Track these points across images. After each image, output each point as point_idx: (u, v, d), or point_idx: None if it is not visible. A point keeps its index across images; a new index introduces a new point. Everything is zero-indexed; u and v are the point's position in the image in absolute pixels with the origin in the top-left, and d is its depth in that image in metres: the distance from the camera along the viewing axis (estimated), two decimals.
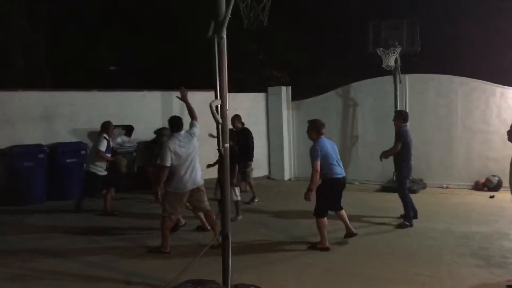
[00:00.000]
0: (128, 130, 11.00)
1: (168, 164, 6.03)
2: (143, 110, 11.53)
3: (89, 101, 10.92)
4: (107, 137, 8.70)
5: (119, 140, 10.70)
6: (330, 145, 6.57)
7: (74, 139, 10.41)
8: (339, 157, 6.63)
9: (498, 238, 6.71)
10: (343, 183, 6.62)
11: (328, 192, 6.45)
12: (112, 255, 6.33)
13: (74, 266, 5.88)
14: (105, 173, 8.72)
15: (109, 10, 16.70)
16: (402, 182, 7.83)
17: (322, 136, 6.53)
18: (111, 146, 9.00)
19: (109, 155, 8.75)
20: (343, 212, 6.74)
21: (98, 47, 17.28)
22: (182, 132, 6.28)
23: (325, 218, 6.43)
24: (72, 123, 10.60)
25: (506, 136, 5.18)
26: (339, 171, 6.49)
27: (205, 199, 6.49)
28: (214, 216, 6.57)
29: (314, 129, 6.56)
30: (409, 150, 7.88)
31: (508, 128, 5.15)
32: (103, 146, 8.54)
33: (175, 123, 6.31)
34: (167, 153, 6.03)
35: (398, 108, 10.95)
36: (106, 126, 8.83)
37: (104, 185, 8.81)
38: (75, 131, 10.57)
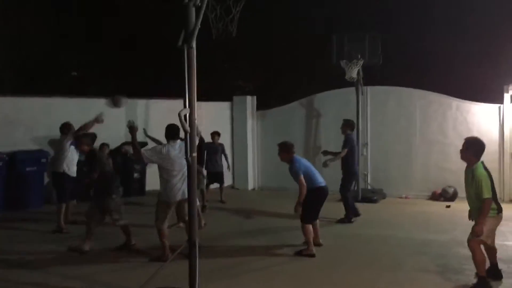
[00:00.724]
0: (91, 138, 10.80)
1: (147, 160, 6.22)
2: (107, 118, 11.33)
3: (51, 107, 10.70)
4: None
5: None
6: (304, 160, 6.94)
7: (34, 147, 10.17)
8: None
9: (454, 245, 6.98)
10: (327, 191, 6.86)
11: (313, 201, 6.68)
12: (75, 264, 6.22)
13: (39, 276, 5.77)
14: (74, 175, 8.35)
15: (75, 14, 16.43)
16: (348, 188, 8.82)
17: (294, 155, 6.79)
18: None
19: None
20: (317, 221, 7.03)
21: (62, 52, 16.92)
22: (178, 141, 6.24)
23: (311, 225, 6.68)
24: (33, 131, 10.36)
25: (461, 148, 5.43)
26: (321, 179, 6.81)
27: None
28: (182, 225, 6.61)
29: (285, 150, 6.79)
30: (354, 157, 8.92)
31: (463, 141, 5.42)
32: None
33: (171, 131, 6.24)
34: (154, 155, 6.10)
35: (360, 119, 11.31)
36: (67, 127, 8.38)
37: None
38: (35, 139, 10.32)
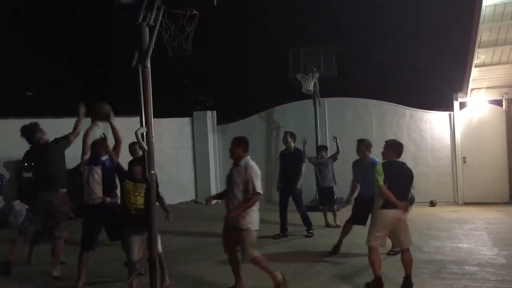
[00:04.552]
0: None
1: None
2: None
3: (6, 129, 10.42)
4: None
5: None
6: None
7: None
8: None
9: (411, 250, 7.18)
10: None
11: None
12: None
13: None
14: None
15: (27, 32, 16.12)
16: (301, 200, 8.62)
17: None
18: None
19: None
20: None
21: (15, 71, 16.54)
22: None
23: None
24: None
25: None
26: None
27: None
28: None
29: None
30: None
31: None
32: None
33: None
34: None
35: (318, 131, 11.56)
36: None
37: None
38: None
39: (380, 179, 5.51)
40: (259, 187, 5.29)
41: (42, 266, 6.82)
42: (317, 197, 10.90)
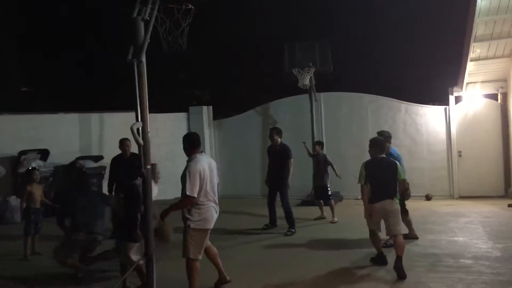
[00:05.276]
0: (44, 154, 10.58)
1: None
2: (59, 133, 11.17)
3: (0, 125, 10.41)
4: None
5: (33, 164, 10.26)
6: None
7: None
8: None
9: (406, 243, 7.22)
10: None
11: None
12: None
13: None
14: None
15: (22, 28, 16.03)
16: (287, 195, 8.44)
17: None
18: None
19: None
20: None
21: (10, 67, 16.46)
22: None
23: None
24: None
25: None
26: None
27: None
28: None
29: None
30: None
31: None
32: None
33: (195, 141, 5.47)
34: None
35: (315, 125, 11.56)
36: None
37: None
38: None
39: (362, 179, 6.07)
40: (188, 189, 5.01)
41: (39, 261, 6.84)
42: (313, 192, 10.92)
